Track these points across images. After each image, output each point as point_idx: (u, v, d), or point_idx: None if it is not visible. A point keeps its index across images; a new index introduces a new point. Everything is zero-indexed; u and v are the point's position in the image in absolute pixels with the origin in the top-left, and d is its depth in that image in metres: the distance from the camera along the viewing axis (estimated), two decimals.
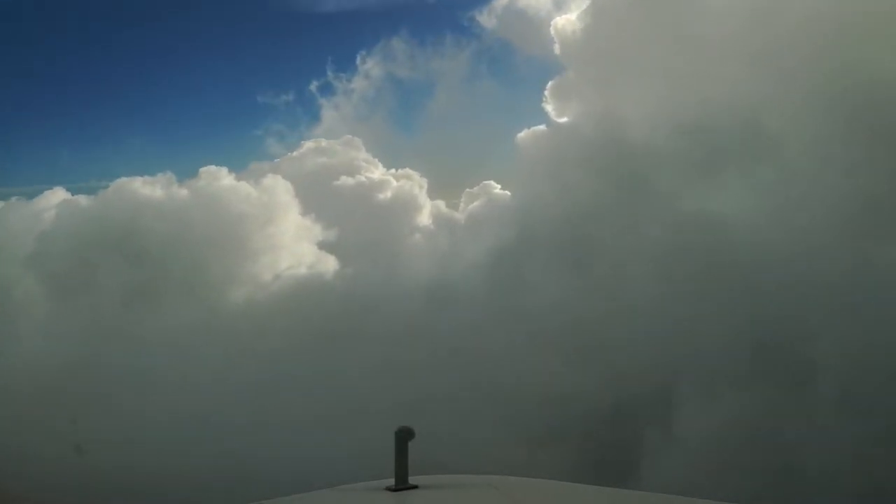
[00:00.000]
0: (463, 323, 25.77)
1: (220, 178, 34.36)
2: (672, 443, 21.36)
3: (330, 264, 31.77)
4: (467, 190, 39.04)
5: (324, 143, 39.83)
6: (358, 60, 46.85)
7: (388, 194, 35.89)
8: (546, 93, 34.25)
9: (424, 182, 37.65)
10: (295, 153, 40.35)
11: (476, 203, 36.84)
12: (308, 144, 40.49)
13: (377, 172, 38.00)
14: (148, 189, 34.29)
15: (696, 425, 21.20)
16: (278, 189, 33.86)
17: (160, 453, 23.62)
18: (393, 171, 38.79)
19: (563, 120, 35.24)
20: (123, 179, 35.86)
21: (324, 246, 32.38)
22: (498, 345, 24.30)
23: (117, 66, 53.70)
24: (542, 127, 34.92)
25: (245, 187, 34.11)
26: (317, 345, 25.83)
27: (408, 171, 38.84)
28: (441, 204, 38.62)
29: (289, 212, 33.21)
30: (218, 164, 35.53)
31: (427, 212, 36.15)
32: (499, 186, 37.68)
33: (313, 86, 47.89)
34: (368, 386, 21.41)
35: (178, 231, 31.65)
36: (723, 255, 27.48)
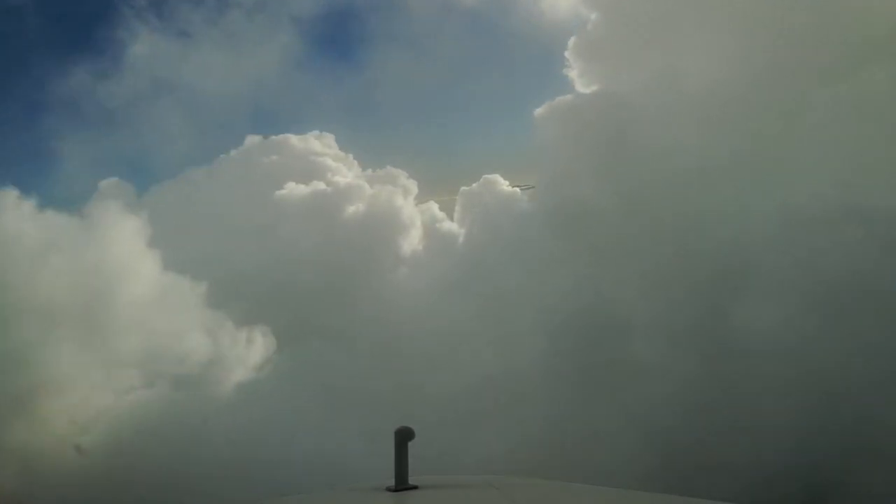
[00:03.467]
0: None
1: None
2: None
3: (248, 354, 18.09)
4: (463, 188, 28.99)
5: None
6: None
7: (361, 207, 25.54)
8: (567, 54, 25.70)
9: (413, 185, 27.44)
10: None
11: (478, 210, 26.87)
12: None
13: (349, 175, 27.69)
14: None
15: None
16: (121, 231, 18.40)
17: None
18: (370, 170, 28.52)
19: (593, 89, 25.91)
20: None
21: (247, 320, 18.30)
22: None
23: None
24: (568, 97, 25.57)
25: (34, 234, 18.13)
26: None
27: (389, 169, 28.61)
28: (433, 208, 28.67)
29: (140, 268, 17.86)
30: None
31: (418, 228, 25.81)
32: (506, 182, 27.82)
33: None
34: None
35: None
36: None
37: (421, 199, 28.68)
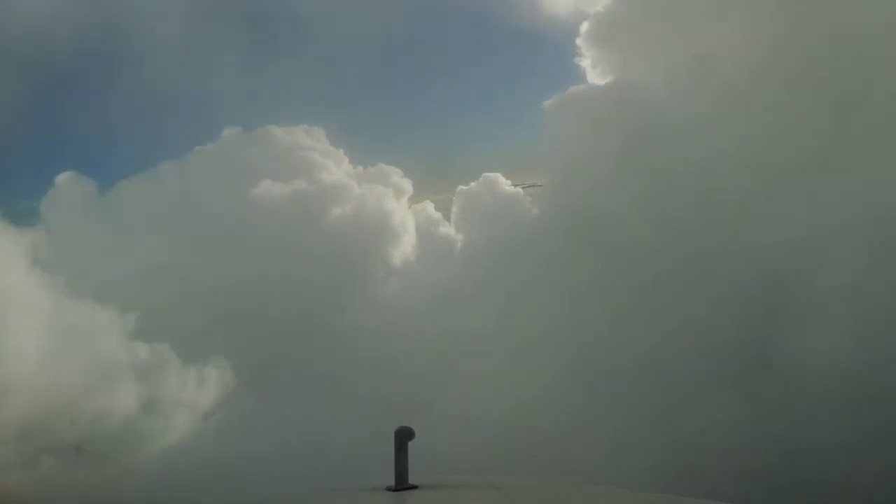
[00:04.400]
0: None
1: None
2: None
3: (199, 396, 14.61)
4: (461, 187, 26.50)
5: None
6: None
7: (348, 209, 22.84)
8: (579, 41, 23.88)
9: (408, 184, 24.87)
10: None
11: (478, 212, 24.31)
12: None
13: (337, 172, 24.98)
14: None
15: None
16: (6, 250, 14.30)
17: None
18: (360, 167, 25.83)
19: (608, 79, 24.04)
20: None
21: (199, 353, 14.67)
22: None
23: None
24: (580, 88, 23.77)
25: None
26: None
27: (381, 166, 25.98)
28: (429, 208, 26.15)
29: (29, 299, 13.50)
30: None
31: (411, 234, 23.15)
32: (508, 182, 25.42)
33: None
34: None
35: None
36: None
37: (415, 199, 26.29)
